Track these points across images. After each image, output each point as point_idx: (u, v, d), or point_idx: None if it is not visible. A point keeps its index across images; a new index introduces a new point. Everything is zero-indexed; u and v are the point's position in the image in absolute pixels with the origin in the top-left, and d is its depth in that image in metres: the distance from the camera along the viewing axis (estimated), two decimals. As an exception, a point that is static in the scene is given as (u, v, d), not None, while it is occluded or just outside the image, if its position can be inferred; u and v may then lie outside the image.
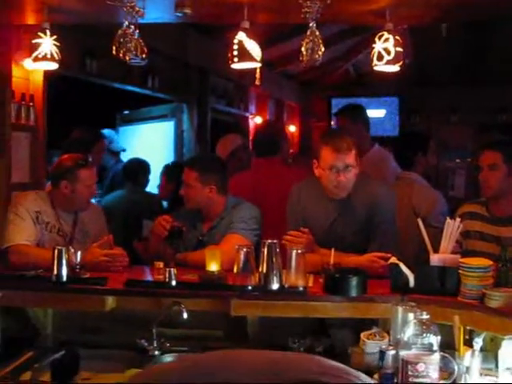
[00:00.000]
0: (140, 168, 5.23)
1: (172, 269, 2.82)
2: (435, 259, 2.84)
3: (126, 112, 7.19)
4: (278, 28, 6.36)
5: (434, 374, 2.29)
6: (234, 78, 7.37)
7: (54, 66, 3.32)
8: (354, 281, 2.72)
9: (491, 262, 2.66)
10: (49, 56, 3.18)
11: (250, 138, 6.25)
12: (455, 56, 8.48)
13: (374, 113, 10.37)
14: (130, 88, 5.78)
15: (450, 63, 8.70)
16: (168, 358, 2.78)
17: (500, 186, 3.27)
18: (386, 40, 2.91)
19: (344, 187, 3.17)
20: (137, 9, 2.77)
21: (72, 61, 4.66)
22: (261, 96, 8.51)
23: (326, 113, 10.14)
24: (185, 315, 2.65)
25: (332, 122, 9.27)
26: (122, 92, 5.90)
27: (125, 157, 6.02)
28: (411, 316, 2.42)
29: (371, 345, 2.56)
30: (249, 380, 1.34)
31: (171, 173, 4.95)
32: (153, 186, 5.45)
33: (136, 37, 2.78)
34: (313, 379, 1.33)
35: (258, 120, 8.12)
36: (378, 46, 2.93)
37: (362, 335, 2.61)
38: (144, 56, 2.82)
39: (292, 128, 9.68)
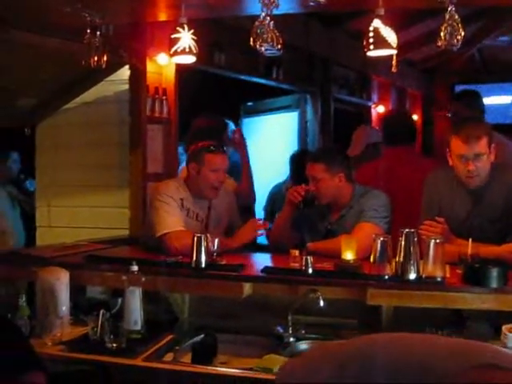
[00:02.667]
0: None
1: (309, 257, 2.84)
2: None
3: (250, 103, 7.29)
4: (400, 15, 6.24)
5: None
6: (355, 67, 7.31)
7: (192, 59, 3.43)
8: (494, 272, 2.63)
9: None
10: (187, 50, 3.28)
11: (376, 127, 6.17)
12: None
13: (499, 99, 9.96)
14: (255, 79, 5.85)
15: None
16: (303, 345, 2.82)
17: None
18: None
19: (476, 176, 3.09)
20: (272, 0, 2.80)
21: (201, 54, 4.78)
22: (383, 85, 8.38)
23: (449, 100, 9.84)
24: (321, 303, 2.66)
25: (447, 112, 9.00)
26: (247, 83, 5.98)
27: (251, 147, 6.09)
28: (558, 310, 2.32)
29: (514, 338, 2.47)
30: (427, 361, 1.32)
31: (299, 161, 4.97)
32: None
33: (272, 28, 2.81)
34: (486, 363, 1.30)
35: (381, 109, 8.00)
36: (521, 28, 2.81)
37: (504, 328, 2.52)
38: (279, 47, 2.85)
39: (414, 117, 9.46)
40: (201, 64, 4.85)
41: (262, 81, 5.92)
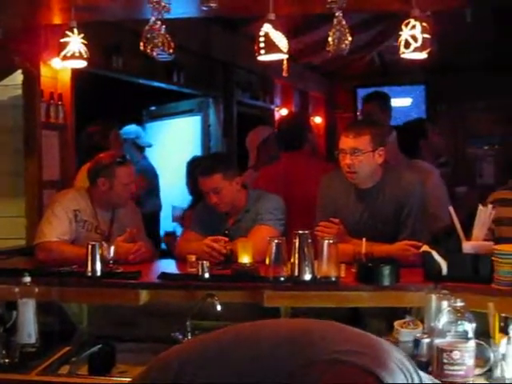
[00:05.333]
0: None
1: (204, 261, 2.84)
2: (468, 247, 2.82)
3: (153, 108, 7.22)
4: (300, 20, 6.35)
5: (470, 361, 2.28)
6: (257, 71, 7.37)
7: (82, 63, 3.36)
8: (386, 270, 2.72)
9: (525, 249, 2.64)
10: (77, 54, 3.22)
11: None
12: (481, 42, 8.37)
13: (400, 101, 10.29)
14: (155, 84, 5.80)
15: (476, 49, 8.59)
16: (202, 350, 2.81)
17: None
18: (413, 27, 2.89)
19: (354, 173, 3.18)
20: (163, 4, 2.79)
21: (98, 58, 4.70)
22: (285, 88, 8.49)
23: (352, 103, 10.09)
24: (218, 307, 2.66)
25: (357, 112, 9.22)
26: (149, 88, 5.92)
27: (151, 153, 6.05)
28: (445, 304, 2.41)
29: (405, 333, 2.55)
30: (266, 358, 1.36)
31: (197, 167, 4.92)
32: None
33: (163, 32, 2.79)
34: (334, 358, 1.34)
35: (284, 112, 8.10)
36: (405, 33, 2.91)
37: (396, 324, 2.60)
38: (171, 51, 2.83)
39: (317, 119, 9.64)
40: (98, 68, 4.78)
41: (163, 85, 5.88)
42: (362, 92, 9.22)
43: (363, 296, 2.74)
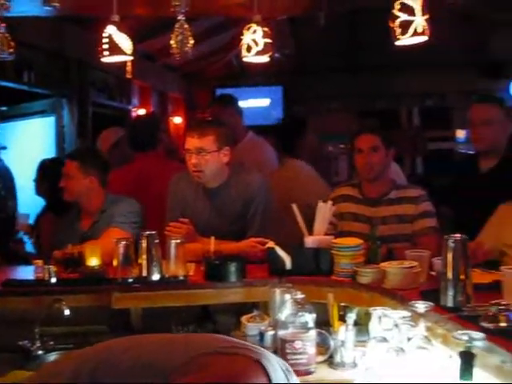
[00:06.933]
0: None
1: (51, 266, 2.79)
2: (309, 241, 2.96)
3: (4, 108, 6.92)
4: (159, 19, 6.32)
5: (311, 349, 2.41)
6: (113, 71, 7.26)
7: None
8: (232, 267, 2.80)
9: (361, 241, 2.81)
10: None
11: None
12: (334, 45, 8.74)
13: (259, 102, 10.52)
14: (3, 83, 5.55)
15: (330, 52, 8.96)
16: (52, 356, 2.75)
17: (381, 168, 3.41)
18: (254, 32, 2.99)
19: (200, 172, 3.24)
20: (1, 2, 2.70)
21: None
22: (143, 88, 8.42)
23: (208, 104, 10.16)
24: (66, 312, 2.62)
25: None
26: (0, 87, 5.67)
27: (5, 155, 5.83)
28: (288, 297, 2.51)
29: (251, 327, 2.64)
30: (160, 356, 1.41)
31: (47, 169, 4.77)
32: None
33: (2, 31, 2.71)
34: (216, 351, 1.40)
35: (142, 112, 8.04)
36: (247, 37, 3.01)
37: (243, 319, 2.69)
38: (11, 51, 2.75)
39: (177, 120, 9.65)
40: None
41: (12, 84, 5.64)
42: (220, 92, 9.33)
43: (211, 293, 2.80)
